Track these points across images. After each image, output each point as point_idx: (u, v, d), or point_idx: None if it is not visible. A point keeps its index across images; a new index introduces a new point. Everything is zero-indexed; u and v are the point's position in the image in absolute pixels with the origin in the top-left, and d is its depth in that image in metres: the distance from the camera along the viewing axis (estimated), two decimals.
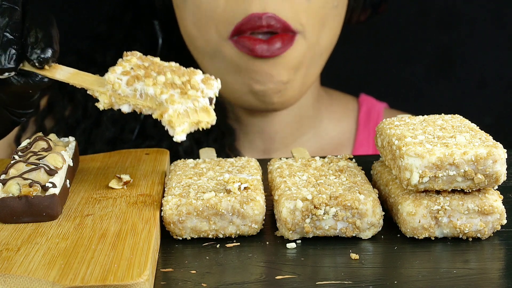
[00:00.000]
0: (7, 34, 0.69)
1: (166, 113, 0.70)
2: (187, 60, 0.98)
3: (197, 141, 1.10)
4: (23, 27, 0.71)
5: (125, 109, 0.73)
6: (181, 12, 1.04)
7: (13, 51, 0.69)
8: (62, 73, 0.73)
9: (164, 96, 0.70)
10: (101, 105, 0.72)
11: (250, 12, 0.96)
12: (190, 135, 1.10)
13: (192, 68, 0.74)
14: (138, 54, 0.75)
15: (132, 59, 0.73)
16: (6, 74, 0.70)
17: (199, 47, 1.03)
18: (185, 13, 1.03)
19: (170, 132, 0.71)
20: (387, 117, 1.17)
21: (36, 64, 0.70)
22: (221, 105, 1.12)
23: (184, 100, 0.71)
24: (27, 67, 0.71)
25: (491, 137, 0.66)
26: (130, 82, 0.71)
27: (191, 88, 0.71)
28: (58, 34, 0.73)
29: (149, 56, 0.75)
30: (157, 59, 0.75)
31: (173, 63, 0.75)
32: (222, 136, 1.11)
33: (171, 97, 0.70)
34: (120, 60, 0.74)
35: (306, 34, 1.00)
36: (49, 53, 0.70)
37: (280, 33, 0.97)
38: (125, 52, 0.75)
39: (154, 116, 0.72)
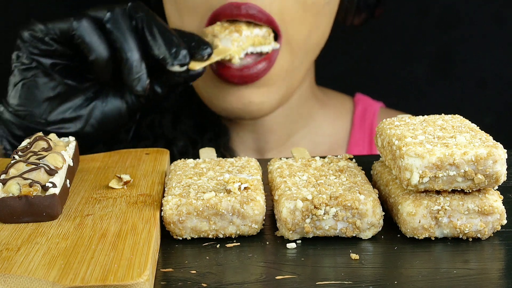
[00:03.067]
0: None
1: None
2: None
3: (192, 142, 1.10)
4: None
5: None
6: (166, 4, 1.04)
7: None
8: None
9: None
10: (239, 57, 0.95)
11: (228, 1, 0.95)
12: (185, 136, 1.10)
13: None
14: (218, 24, 0.96)
15: (215, 28, 0.95)
16: (185, 67, 0.88)
17: None
18: (168, 3, 1.03)
19: None
20: (383, 116, 1.18)
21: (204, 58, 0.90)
22: None
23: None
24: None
25: (491, 137, 0.66)
26: (239, 31, 0.94)
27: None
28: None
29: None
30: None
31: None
32: (217, 136, 1.10)
33: None
34: (214, 31, 0.95)
35: (290, 32, 0.97)
36: (208, 49, 0.90)
37: (256, 58, 0.96)
38: (206, 29, 0.97)
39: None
